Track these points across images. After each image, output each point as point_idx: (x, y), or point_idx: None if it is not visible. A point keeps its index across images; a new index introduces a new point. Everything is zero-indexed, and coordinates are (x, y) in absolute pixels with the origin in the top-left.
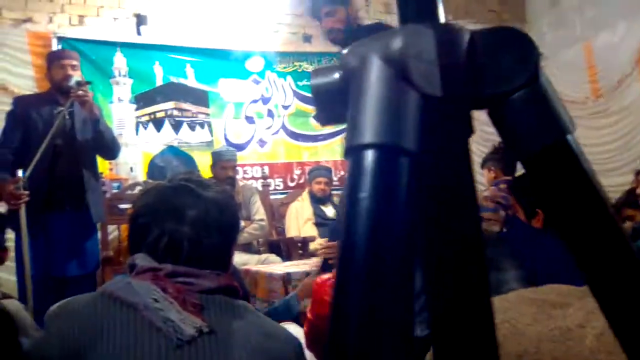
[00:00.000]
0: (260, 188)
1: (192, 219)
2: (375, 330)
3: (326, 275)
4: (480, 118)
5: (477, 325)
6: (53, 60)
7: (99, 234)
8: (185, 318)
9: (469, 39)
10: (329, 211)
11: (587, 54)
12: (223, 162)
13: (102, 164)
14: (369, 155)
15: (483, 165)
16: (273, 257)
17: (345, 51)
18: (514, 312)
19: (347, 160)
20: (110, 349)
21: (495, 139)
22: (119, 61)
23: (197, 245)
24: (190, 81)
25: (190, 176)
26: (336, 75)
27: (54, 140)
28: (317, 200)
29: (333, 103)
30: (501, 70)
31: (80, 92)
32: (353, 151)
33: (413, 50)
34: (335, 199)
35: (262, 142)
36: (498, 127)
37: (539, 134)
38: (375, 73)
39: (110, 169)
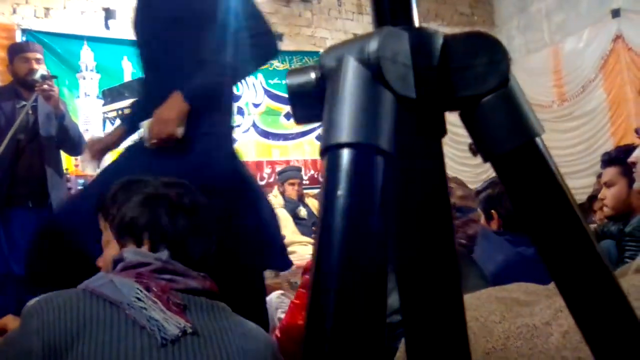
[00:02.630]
0: None
1: (193, 220)
2: (350, 325)
3: None
4: (451, 120)
5: (449, 323)
6: (16, 53)
7: None
8: (169, 317)
9: (442, 43)
10: (300, 211)
11: (554, 58)
12: None
13: (67, 160)
14: (345, 154)
15: None
16: None
17: (322, 52)
18: (483, 310)
19: (323, 160)
20: (93, 346)
21: (466, 140)
22: (86, 55)
23: (194, 247)
24: None
25: (182, 181)
26: (311, 75)
27: (16, 135)
28: (289, 201)
29: (308, 102)
30: (473, 73)
31: (45, 87)
32: (329, 150)
33: (389, 52)
34: (306, 200)
35: None
36: (469, 128)
37: (509, 135)
38: (351, 74)
39: (76, 166)
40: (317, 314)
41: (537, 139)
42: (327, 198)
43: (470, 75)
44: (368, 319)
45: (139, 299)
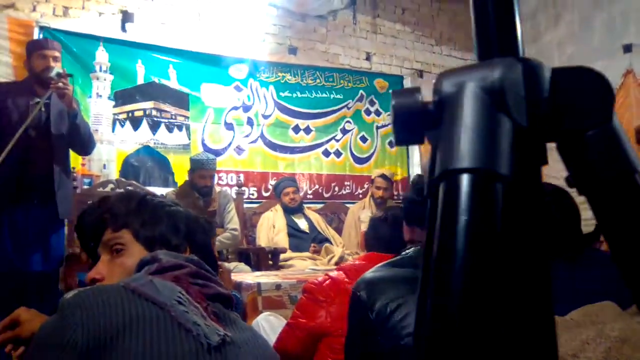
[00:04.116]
0: (234, 195)
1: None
2: (475, 351)
3: (319, 278)
4: None
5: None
6: (34, 50)
7: (66, 230)
8: (210, 324)
9: (550, 75)
10: (302, 223)
11: None
12: (203, 171)
13: (74, 159)
14: (465, 180)
15: None
16: (242, 265)
17: (438, 77)
18: None
19: (441, 183)
20: (139, 343)
21: None
22: (101, 56)
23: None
24: (172, 82)
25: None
26: (417, 98)
27: (27, 131)
28: (290, 211)
29: (412, 124)
30: (580, 107)
31: (60, 84)
32: (449, 175)
33: (510, 81)
34: (307, 212)
35: (239, 150)
36: (568, 160)
37: (610, 170)
38: (472, 100)
39: (83, 165)
40: (439, 342)
41: (637, 175)
42: (446, 222)
43: (576, 109)
44: (493, 346)
45: (180, 303)
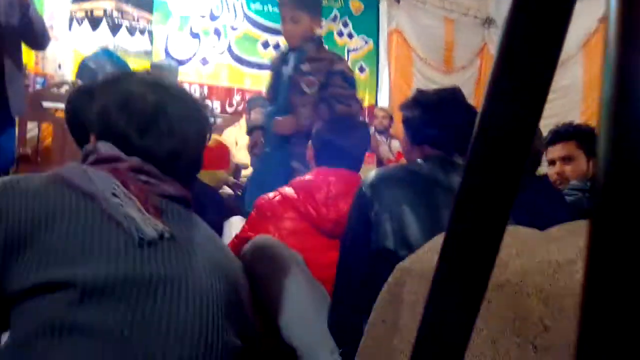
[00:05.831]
0: None
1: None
2: None
3: (271, 194)
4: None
5: None
6: None
7: (16, 130)
8: (147, 219)
9: None
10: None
11: None
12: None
13: (27, 56)
14: None
15: None
16: None
17: None
18: None
19: None
20: (62, 234)
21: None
22: None
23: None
24: None
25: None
26: None
27: None
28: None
29: None
30: None
31: None
32: None
33: None
34: None
35: (204, 61)
36: None
37: None
38: None
39: (36, 63)
40: None
41: None
42: None
43: None
44: None
45: (115, 195)
